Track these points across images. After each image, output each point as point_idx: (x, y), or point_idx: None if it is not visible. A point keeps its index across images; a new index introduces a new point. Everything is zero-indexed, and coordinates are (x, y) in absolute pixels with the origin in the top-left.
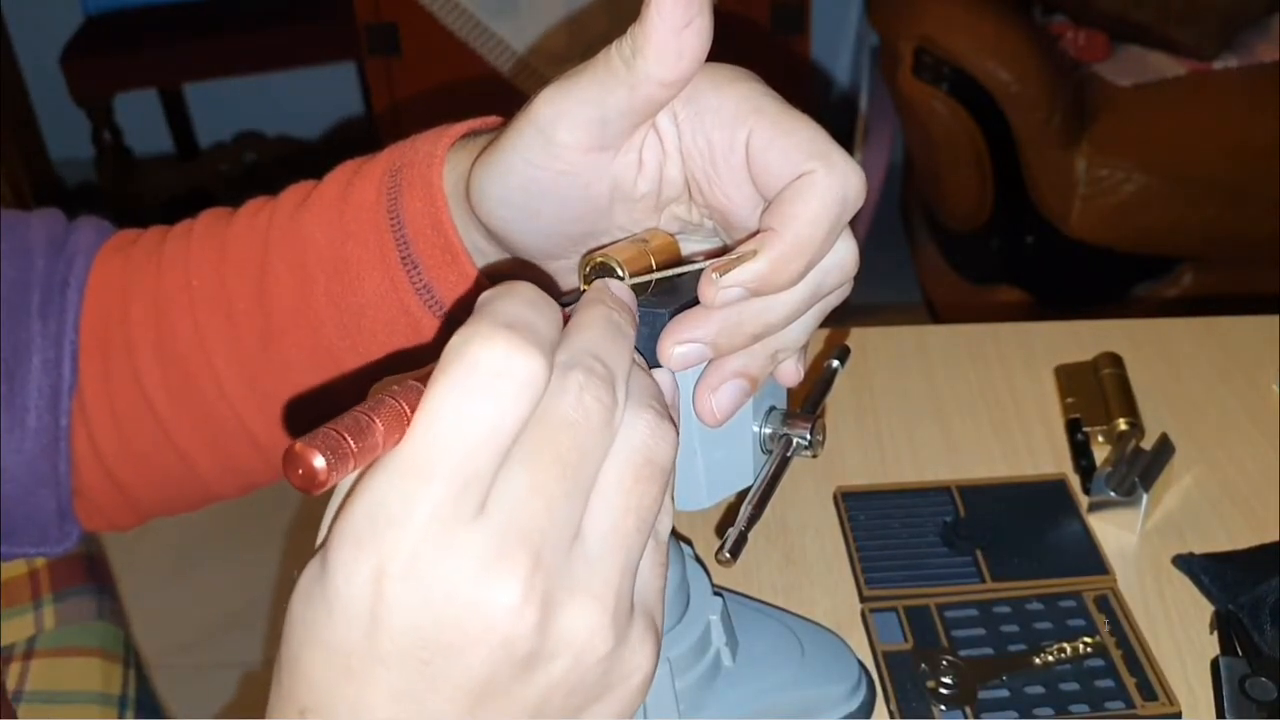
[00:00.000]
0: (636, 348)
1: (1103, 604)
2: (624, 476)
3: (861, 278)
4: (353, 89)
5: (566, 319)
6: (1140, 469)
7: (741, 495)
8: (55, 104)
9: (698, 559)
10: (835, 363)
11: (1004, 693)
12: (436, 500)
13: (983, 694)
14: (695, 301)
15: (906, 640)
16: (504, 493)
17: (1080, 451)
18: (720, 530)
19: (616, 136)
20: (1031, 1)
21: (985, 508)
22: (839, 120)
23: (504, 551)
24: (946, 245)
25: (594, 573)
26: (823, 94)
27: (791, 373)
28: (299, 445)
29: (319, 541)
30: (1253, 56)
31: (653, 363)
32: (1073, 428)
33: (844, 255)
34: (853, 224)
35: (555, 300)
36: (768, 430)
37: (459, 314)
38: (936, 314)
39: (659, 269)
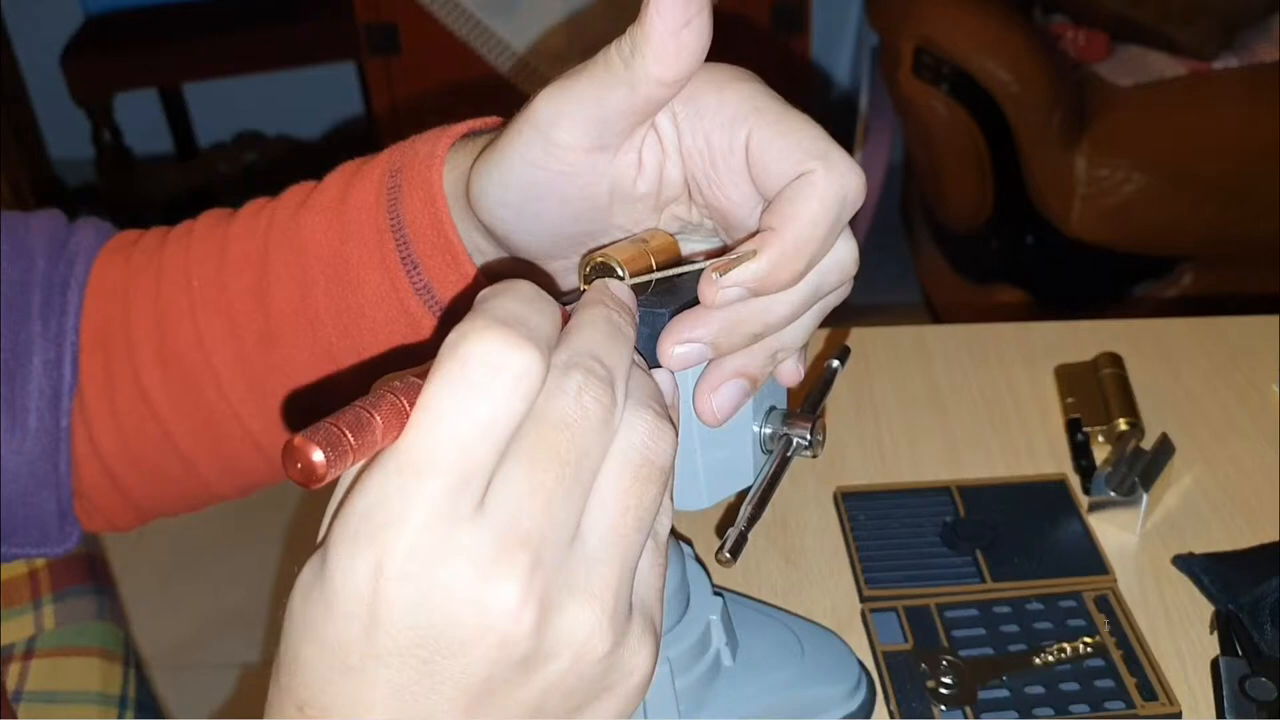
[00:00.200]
0: (636, 348)
1: (1103, 604)
2: (623, 476)
3: (861, 278)
4: (353, 89)
5: (566, 318)
6: (1140, 469)
7: (741, 495)
8: (55, 104)
9: (698, 559)
10: (835, 363)
11: (1004, 693)
12: (434, 496)
13: (983, 694)
14: (695, 301)
15: (906, 640)
16: (503, 492)
17: (1080, 451)
18: (720, 530)
19: (616, 136)
20: (1031, 1)
21: (985, 508)
22: (839, 120)
23: (503, 551)
24: (946, 245)
25: (593, 573)
26: (823, 94)
27: (791, 373)
28: (298, 439)
29: (320, 537)
30: (1253, 56)
31: (653, 363)
32: (1073, 428)
33: (844, 255)
34: (853, 224)
35: (555, 299)
36: (768, 430)
37: (458, 312)
38: (936, 314)
39: (659, 269)
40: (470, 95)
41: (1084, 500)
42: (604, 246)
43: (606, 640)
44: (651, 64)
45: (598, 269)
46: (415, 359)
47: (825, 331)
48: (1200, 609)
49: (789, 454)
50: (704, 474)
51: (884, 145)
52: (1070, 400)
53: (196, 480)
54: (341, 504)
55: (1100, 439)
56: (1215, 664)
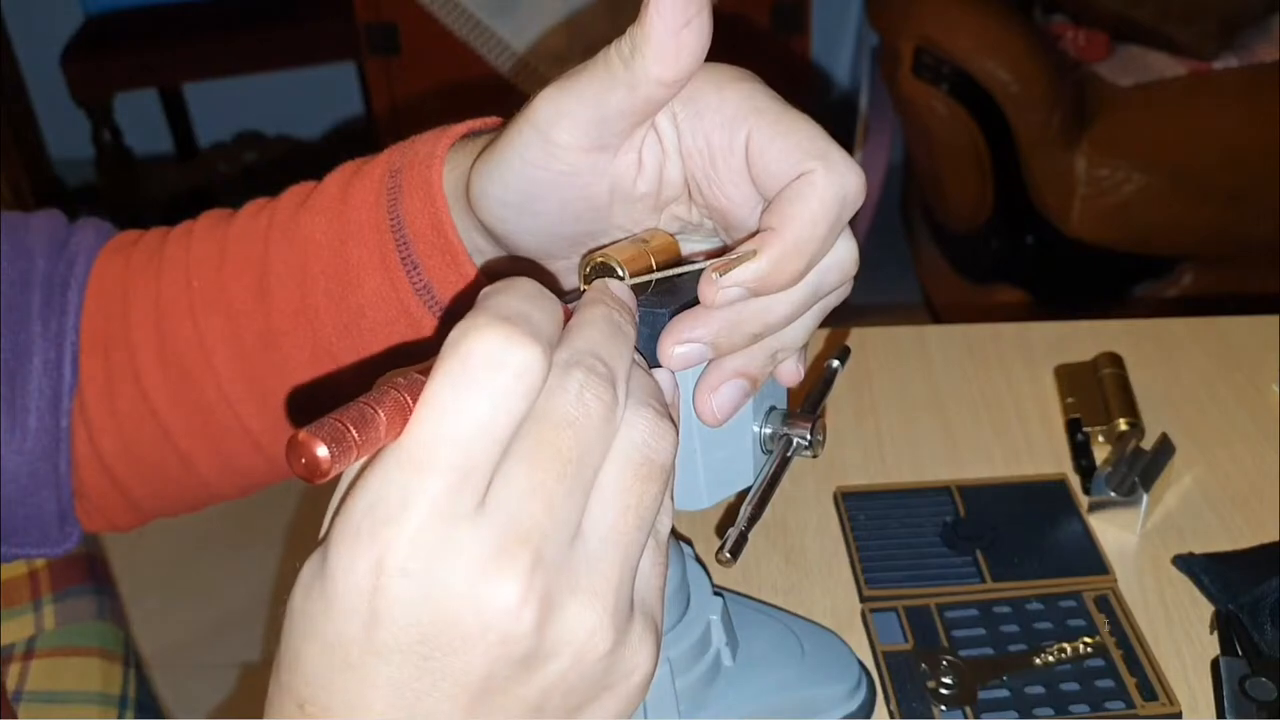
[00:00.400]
0: (637, 348)
1: (1103, 604)
2: (624, 475)
3: (861, 278)
4: (353, 89)
5: (568, 315)
6: (1140, 469)
7: (741, 495)
8: (55, 104)
9: (698, 559)
10: (835, 363)
11: (1004, 693)
12: (435, 493)
13: (983, 694)
14: (695, 301)
15: (906, 640)
16: (504, 490)
17: (1080, 451)
18: (720, 530)
19: (616, 136)
20: (1031, 1)
21: (985, 508)
22: (839, 120)
23: (504, 549)
24: (946, 245)
25: (594, 571)
26: (823, 94)
27: (791, 373)
28: (303, 434)
29: (321, 535)
30: (1253, 56)
31: (653, 363)
32: (1073, 428)
33: (844, 255)
34: (853, 224)
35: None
36: (768, 430)
37: (458, 311)
38: (936, 314)
39: (659, 269)
40: (470, 95)
41: (1084, 500)
42: (604, 246)
43: (607, 639)
44: (651, 64)
45: (598, 269)
46: (415, 359)
47: (825, 331)
48: (1200, 609)
49: (789, 454)
50: (704, 474)
51: (884, 145)
52: (1070, 400)
53: (196, 480)
54: (343, 501)
55: (1100, 439)
56: (1215, 664)
